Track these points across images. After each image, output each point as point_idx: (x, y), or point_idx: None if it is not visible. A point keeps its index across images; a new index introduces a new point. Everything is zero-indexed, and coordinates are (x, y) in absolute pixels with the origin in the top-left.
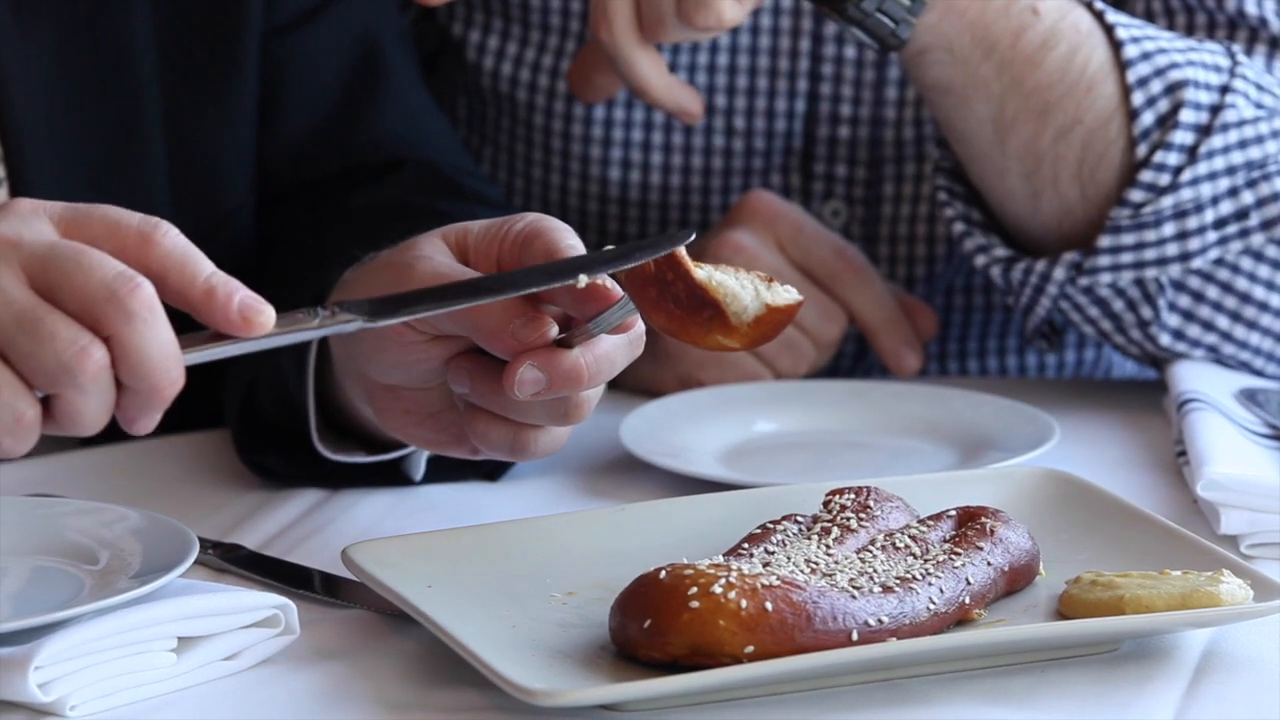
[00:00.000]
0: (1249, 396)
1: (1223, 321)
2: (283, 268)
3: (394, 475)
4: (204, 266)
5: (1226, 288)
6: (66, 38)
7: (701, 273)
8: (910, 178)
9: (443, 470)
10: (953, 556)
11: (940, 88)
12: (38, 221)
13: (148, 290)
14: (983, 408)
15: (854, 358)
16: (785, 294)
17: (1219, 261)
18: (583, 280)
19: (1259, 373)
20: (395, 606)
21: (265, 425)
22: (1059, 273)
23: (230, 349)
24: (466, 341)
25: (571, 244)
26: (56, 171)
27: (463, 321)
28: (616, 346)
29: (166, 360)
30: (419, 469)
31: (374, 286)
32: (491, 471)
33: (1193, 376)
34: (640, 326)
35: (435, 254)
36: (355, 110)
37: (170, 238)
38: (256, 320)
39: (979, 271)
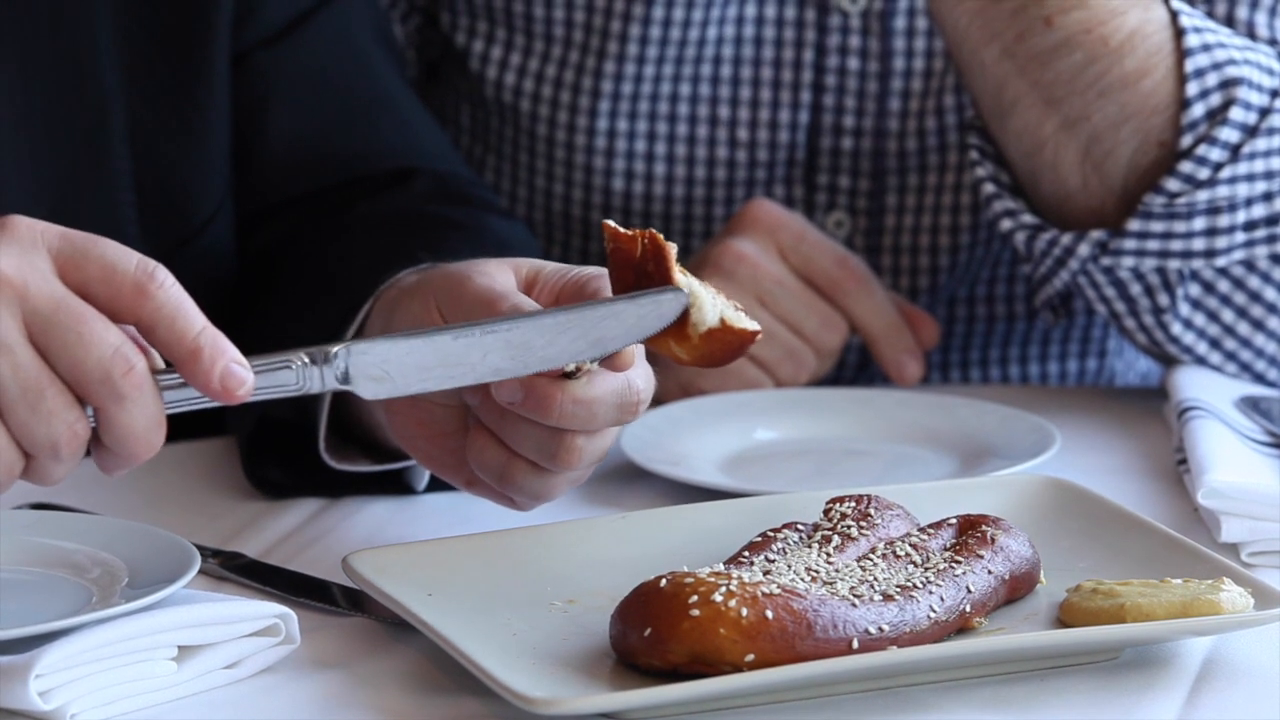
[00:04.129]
0: (1250, 404)
1: (1228, 315)
2: (295, 276)
3: (396, 485)
4: (194, 323)
5: (1238, 283)
6: (28, 54)
7: (681, 276)
8: (913, 189)
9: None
10: (953, 564)
11: (951, 41)
12: (39, 258)
13: (140, 370)
14: (984, 416)
15: (856, 368)
16: (746, 321)
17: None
18: (570, 365)
19: (1260, 376)
20: (396, 615)
21: (272, 435)
22: (1083, 249)
23: (212, 404)
24: None
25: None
26: (20, 188)
27: None
28: (599, 399)
29: (149, 433)
30: (422, 479)
31: (427, 296)
32: None
33: (1193, 384)
34: (634, 398)
35: (497, 274)
36: (349, 121)
37: (165, 290)
38: (236, 393)
39: (1000, 240)
